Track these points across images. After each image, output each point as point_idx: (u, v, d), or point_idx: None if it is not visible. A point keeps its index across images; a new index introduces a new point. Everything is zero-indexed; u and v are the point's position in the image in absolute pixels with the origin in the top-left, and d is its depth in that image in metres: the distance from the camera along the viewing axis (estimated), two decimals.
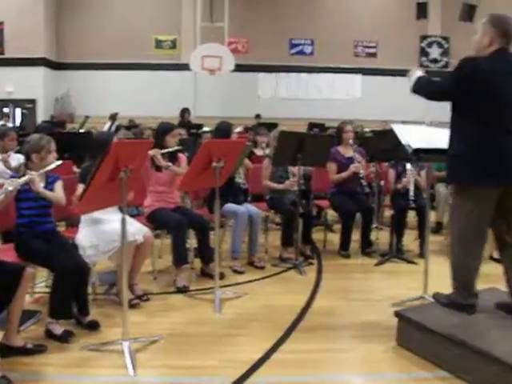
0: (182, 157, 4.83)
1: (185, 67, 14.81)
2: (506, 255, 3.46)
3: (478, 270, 3.44)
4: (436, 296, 3.73)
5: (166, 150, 4.56)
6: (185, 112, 12.95)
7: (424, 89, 3.52)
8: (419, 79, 3.53)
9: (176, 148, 4.63)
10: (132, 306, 3.87)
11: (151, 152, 4.32)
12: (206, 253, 4.67)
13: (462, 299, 3.46)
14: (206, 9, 14.69)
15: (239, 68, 14.72)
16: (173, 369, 3.09)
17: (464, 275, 3.45)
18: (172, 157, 4.67)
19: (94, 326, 3.56)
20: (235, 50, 15.88)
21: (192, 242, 4.94)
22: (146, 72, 15.93)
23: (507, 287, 3.44)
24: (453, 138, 3.41)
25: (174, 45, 16.54)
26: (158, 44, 16.43)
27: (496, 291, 3.71)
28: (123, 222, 3.20)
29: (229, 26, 14.71)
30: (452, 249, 3.54)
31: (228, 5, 14.63)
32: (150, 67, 15.97)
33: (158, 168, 4.58)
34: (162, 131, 4.67)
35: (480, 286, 3.65)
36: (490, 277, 3.64)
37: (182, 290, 4.38)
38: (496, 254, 4.79)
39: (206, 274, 4.75)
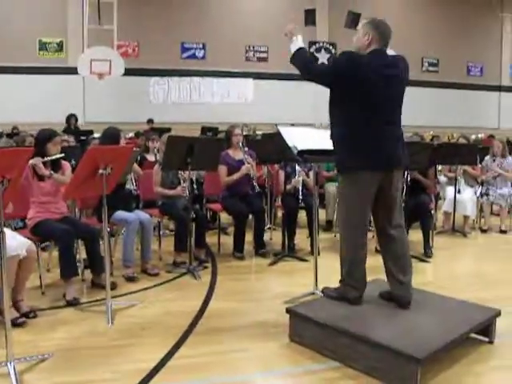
0: (66, 164, 4.66)
1: (72, 71, 14.24)
2: (385, 246, 3.69)
3: (364, 260, 3.65)
4: (325, 290, 3.88)
5: (48, 159, 4.38)
6: (70, 118, 12.51)
7: (304, 66, 3.62)
8: (299, 52, 3.63)
9: (58, 156, 4.46)
10: (18, 325, 3.67)
11: (32, 161, 4.14)
12: (96, 263, 4.53)
13: (349, 292, 3.64)
14: (93, 10, 14.17)
15: (130, 72, 14.40)
16: None
17: (353, 265, 3.63)
18: (55, 165, 4.50)
19: None
20: (125, 54, 15.55)
21: (82, 252, 4.78)
22: (31, 76, 15.13)
23: (386, 276, 3.66)
24: (334, 126, 3.61)
25: (60, 47, 15.84)
26: (43, 46, 15.68)
27: (379, 282, 3.93)
28: (1, 235, 3.02)
29: (118, 29, 14.31)
30: (341, 241, 3.72)
31: (117, 7, 14.22)
32: (34, 71, 15.20)
33: (41, 177, 4.39)
34: (43, 139, 4.46)
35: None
36: (374, 268, 3.83)
37: (73, 303, 4.21)
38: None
39: (97, 285, 4.59)
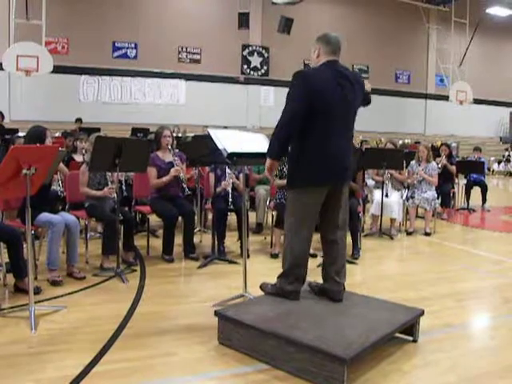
0: None
1: None
2: (326, 248, 3.84)
3: (307, 259, 3.78)
4: (262, 286, 3.93)
5: None
6: None
7: (278, 139, 3.56)
8: (269, 149, 3.65)
9: None
10: None
11: None
12: (19, 267, 4.33)
13: (287, 287, 3.73)
14: (21, 3, 13.62)
15: (59, 70, 13.99)
16: None
17: (296, 262, 3.73)
18: None
19: None
20: (54, 51, 15.11)
21: (4, 255, 4.58)
22: None
23: (322, 274, 3.83)
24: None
25: None
26: None
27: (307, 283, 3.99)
28: None
29: (47, 25, 13.81)
30: (286, 239, 3.80)
31: (46, 1, 13.68)
32: None
33: None
34: None
35: None
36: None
37: None
38: None
39: (20, 290, 4.41)
